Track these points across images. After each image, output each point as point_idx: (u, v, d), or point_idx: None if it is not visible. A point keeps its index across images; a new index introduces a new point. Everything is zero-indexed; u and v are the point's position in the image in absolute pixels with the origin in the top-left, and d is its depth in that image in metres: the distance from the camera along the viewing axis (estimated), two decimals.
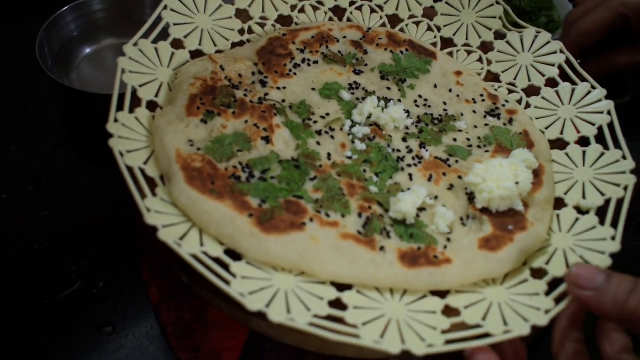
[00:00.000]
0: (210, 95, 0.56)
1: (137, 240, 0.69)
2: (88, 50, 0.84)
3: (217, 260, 0.47)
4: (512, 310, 0.48)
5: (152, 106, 0.57)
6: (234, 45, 0.64)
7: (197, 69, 0.58)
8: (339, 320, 0.46)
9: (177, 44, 0.61)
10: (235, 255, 0.49)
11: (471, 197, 0.54)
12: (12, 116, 0.80)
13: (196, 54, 0.62)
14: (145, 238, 0.67)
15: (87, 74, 0.83)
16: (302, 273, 0.49)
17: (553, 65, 0.65)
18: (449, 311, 0.48)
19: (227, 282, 0.46)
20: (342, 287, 0.49)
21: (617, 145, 0.58)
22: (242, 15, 0.66)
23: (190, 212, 0.49)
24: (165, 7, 0.61)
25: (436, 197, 0.54)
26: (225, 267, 0.47)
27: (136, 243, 0.69)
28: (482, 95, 0.63)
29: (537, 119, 0.63)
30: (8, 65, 0.84)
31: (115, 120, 0.53)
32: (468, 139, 0.59)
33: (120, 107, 0.54)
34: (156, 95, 0.57)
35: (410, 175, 0.55)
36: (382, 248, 0.49)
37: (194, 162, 0.51)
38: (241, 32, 0.65)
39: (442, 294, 0.49)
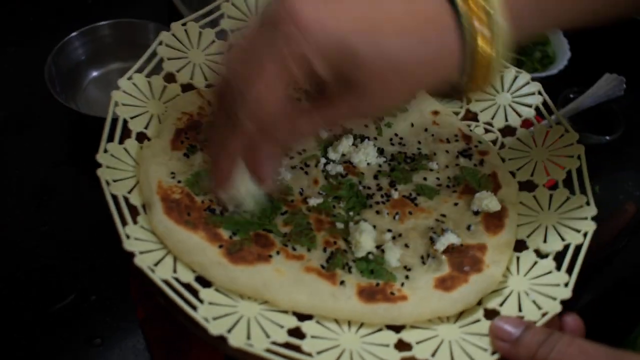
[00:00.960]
0: (194, 130, 0.60)
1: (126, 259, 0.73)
2: (95, 74, 0.89)
3: (188, 286, 0.51)
4: (460, 348, 0.51)
5: (141, 137, 0.61)
6: None
7: (184, 103, 0.62)
8: (296, 348, 0.49)
9: (170, 78, 0.65)
10: (206, 283, 0.53)
11: (432, 237, 0.57)
12: (18, 136, 0.85)
13: (187, 87, 0.66)
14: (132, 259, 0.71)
15: (93, 96, 0.88)
16: (265, 302, 0.52)
17: (530, 106, 0.68)
18: (401, 345, 0.51)
19: (194, 307, 0.49)
20: (303, 317, 0.52)
21: (583, 190, 0.60)
22: None
23: (166, 240, 0.53)
24: (161, 43, 0.65)
25: (400, 235, 0.57)
26: (196, 293, 0.51)
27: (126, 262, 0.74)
28: (456, 135, 0.66)
29: (509, 159, 0.65)
30: (17, 88, 0.89)
31: (105, 151, 0.57)
32: (438, 179, 0.62)
33: (111, 138, 0.58)
34: (146, 127, 0.61)
35: (377, 212, 0.58)
36: (342, 282, 0.53)
37: (174, 193, 0.55)
38: None
39: (397, 328, 0.52)
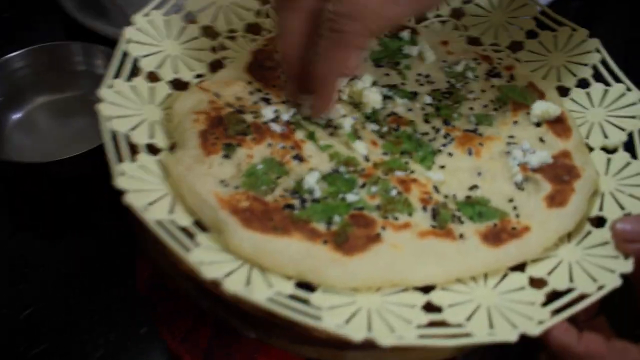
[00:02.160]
0: (220, 127, 0.50)
1: (146, 309, 0.60)
2: (18, 115, 0.73)
3: (293, 297, 0.42)
4: (593, 265, 0.47)
5: (151, 149, 0.50)
6: (210, 65, 0.58)
7: (191, 103, 0.52)
8: (441, 324, 0.42)
9: (152, 77, 0.54)
10: (305, 286, 0.44)
11: (517, 160, 0.52)
12: None
13: (176, 83, 0.55)
14: (162, 302, 0.59)
15: (22, 143, 0.72)
16: (391, 285, 0.44)
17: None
18: (534, 283, 0.46)
19: (317, 318, 0.40)
20: (422, 289, 0.45)
21: (618, 81, 0.58)
22: (209, 32, 0.60)
23: (259, 257, 0.43)
24: (129, 41, 0.54)
25: (484, 168, 0.52)
26: (303, 301, 0.42)
27: (144, 312, 0.61)
28: (475, 59, 0.62)
29: (531, 71, 0.62)
30: None
31: (122, 174, 0.45)
32: (484, 105, 0.58)
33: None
34: (151, 137, 0.50)
35: (450, 154, 0.53)
36: (461, 235, 0.46)
37: (240, 202, 0.45)
38: (212, 50, 0.59)
39: (520, 268, 0.47)
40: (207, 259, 0.42)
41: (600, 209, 0.51)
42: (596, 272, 0.46)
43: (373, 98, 0.55)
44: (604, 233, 0.49)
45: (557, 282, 0.46)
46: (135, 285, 0.61)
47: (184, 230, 0.44)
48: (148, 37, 0.55)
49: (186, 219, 0.45)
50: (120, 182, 0.44)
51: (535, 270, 0.47)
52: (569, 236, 0.50)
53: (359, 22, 0.45)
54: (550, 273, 0.47)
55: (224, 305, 0.44)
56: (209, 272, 0.41)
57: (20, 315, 0.60)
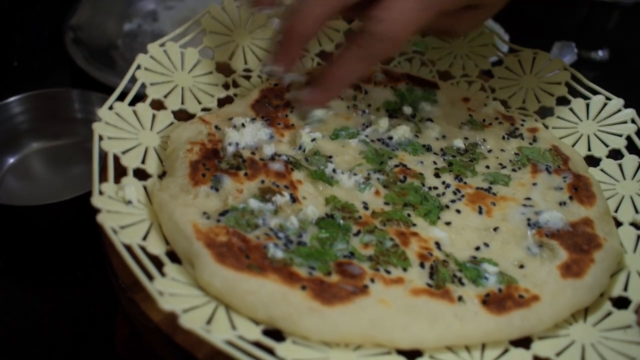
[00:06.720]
0: (213, 159, 0.48)
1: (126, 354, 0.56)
2: (12, 160, 0.72)
3: (256, 344, 0.38)
4: (611, 351, 0.41)
5: (140, 175, 0.48)
6: (220, 101, 0.57)
7: (189, 133, 0.50)
8: None
9: (157, 105, 0.53)
10: (275, 335, 0.39)
11: (531, 223, 0.48)
12: None
13: (180, 114, 0.54)
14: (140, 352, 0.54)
15: (14, 188, 0.70)
16: (360, 346, 0.39)
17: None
18: None
19: None
20: (408, 353, 0.40)
21: None
22: (224, 68, 0.59)
23: (229, 296, 0.40)
24: (139, 67, 0.54)
25: (495, 229, 0.47)
26: (267, 350, 0.37)
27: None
28: (497, 118, 0.58)
29: (560, 138, 0.58)
30: None
31: (100, 193, 0.43)
32: (500, 164, 0.54)
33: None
34: (143, 162, 0.48)
35: (458, 211, 0.48)
36: (460, 298, 0.42)
37: (218, 236, 0.42)
38: (225, 86, 0.58)
39: (524, 344, 0.42)
40: (169, 290, 0.38)
41: (625, 288, 0.46)
42: (614, 359, 0.40)
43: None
44: (627, 315, 0.43)
45: None
46: (114, 345, 0.57)
47: (155, 259, 0.41)
48: (160, 66, 0.55)
49: (158, 248, 0.42)
50: (96, 201, 0.42)
51: (542, 348, 0.41)
52: (585, 314, 0.44)
53: (384, 44, 0.48)
54: (559, 354, 0.41)
55: None
56: (166, 303, 0.37)
57: None
